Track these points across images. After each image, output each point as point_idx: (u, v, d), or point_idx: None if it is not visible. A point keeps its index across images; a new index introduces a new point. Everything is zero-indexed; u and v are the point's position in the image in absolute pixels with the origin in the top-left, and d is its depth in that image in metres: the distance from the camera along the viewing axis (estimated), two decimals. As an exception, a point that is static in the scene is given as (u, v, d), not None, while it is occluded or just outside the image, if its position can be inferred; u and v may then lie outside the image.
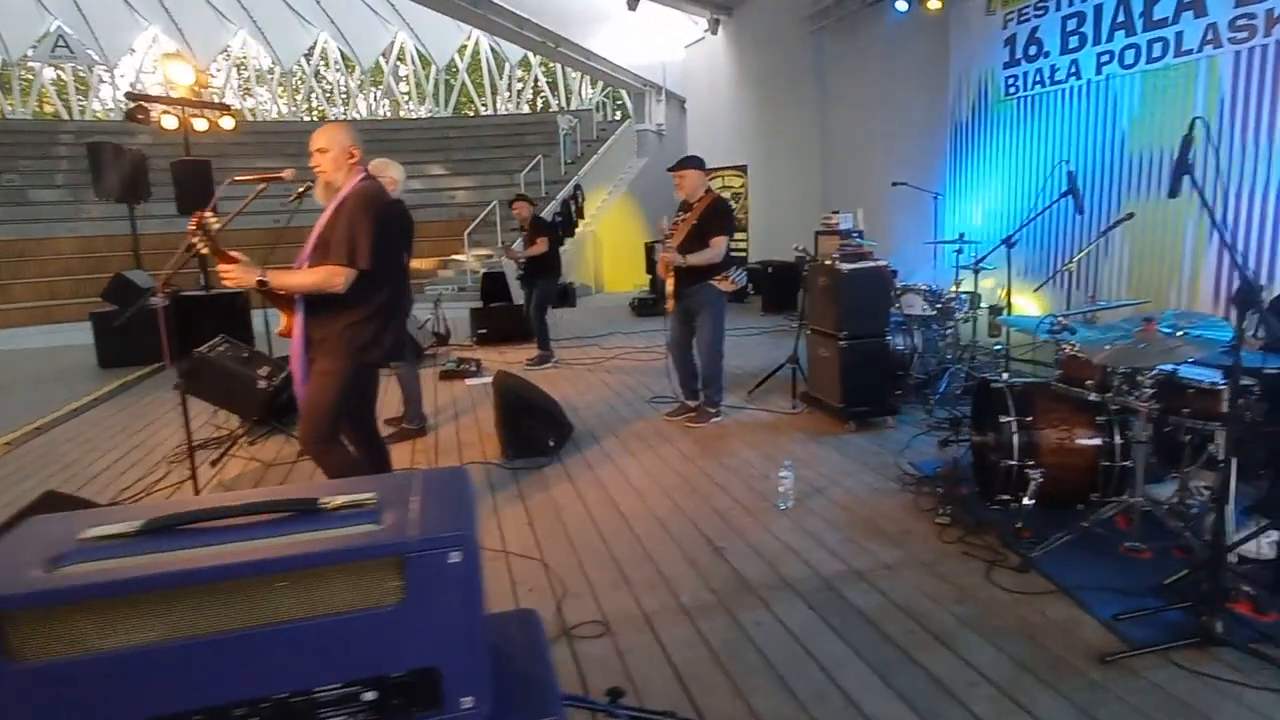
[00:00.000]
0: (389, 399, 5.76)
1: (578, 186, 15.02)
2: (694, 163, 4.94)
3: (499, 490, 4.10)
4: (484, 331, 8.46)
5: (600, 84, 22.10)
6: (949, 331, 5.44)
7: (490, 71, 25.60)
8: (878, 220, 10.09)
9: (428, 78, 25.94)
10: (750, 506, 3.71)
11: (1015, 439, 3.20)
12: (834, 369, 4.76)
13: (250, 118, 25.02)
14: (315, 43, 26.36)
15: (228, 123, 9.29)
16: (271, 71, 27.21)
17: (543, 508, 3.84)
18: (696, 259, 4.71)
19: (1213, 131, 5.97)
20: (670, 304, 4.98)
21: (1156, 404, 2.90)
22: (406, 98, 28.03)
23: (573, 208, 14.49)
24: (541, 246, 7.19)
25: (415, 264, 8.84)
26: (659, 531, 3.50)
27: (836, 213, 8.50)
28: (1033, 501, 3.17)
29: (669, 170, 5.03)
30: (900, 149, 9.48)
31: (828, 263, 4.80)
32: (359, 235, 2.87)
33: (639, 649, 2.59)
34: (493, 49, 24.88)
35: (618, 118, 20.64)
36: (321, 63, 27.63)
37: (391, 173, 4.75)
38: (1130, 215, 4.96)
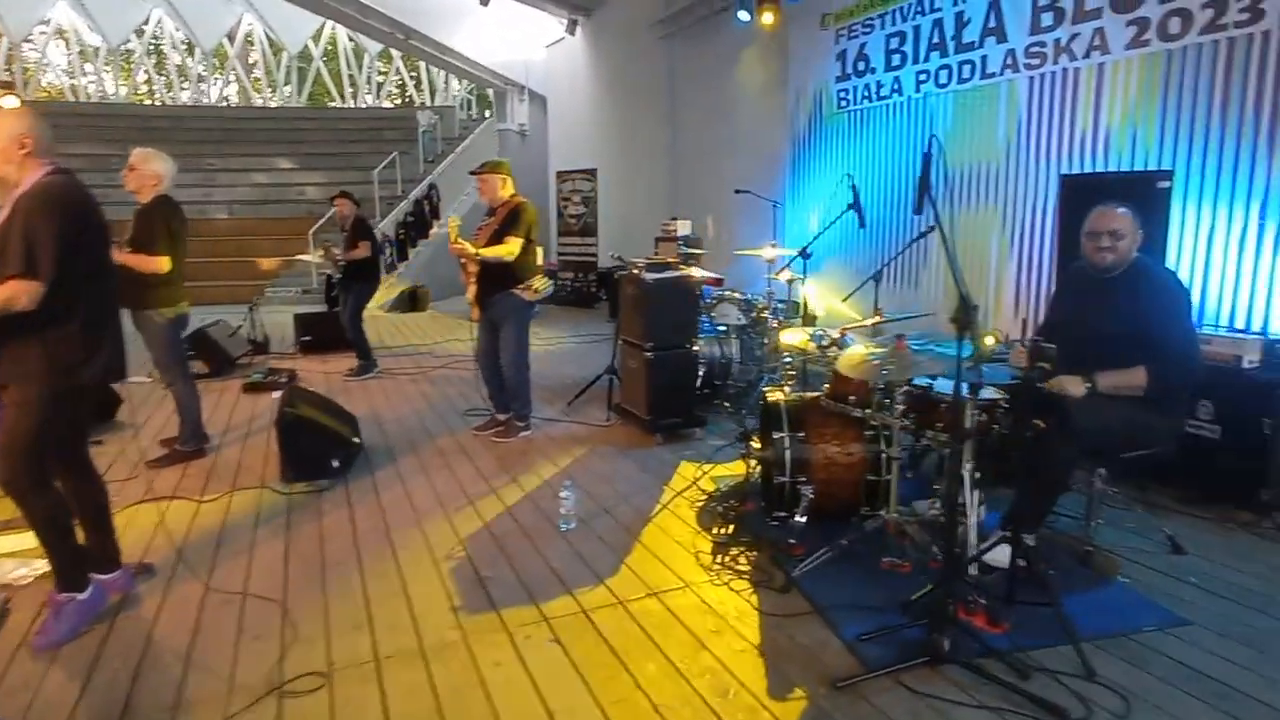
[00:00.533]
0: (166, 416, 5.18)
1: (433, 186, 14.42)
2: (494, 167, 4.70)
3: (266, 521, 3.69)
4: (308, 339, 7.85)
5: (466, 81, 21.45)
6: (765, 341, 5.46)
7: (348, 62, 24.33)
8: (725, 228, 10.23)
9: (278, 65, 24.32)
10: (532, 529, 3.50)
11: (788, 454, 3.15)
12: (642, 380, 4.64)
13: (73, 98, 22.61)
14: (148, 19, 24.15)
15: (10, 102, 8.21)
16: (97, 50, 24.69)
17: (307, 539, 3.47)
18: (488, 252, 4.46)
19: (1011, 150, 6.35)
20: (475, 313, 4.71)
21: (909, 419, 2.91)
22: (261, 85, 26.22)
23: (426, 208, 13.89)
24: (364, 251, 6.72)
25: (265, 264, 8.14)
26: (425, 561, 3.22)
27: (675, 219, 8.52)
28: (805, 518, 3.12)
29: (470, 173, 4.77)
30: (746, 157, 9.62)
31: (634, 272, 4.68)
32: (39, 241, 2.44)
33: (354, 702, 2.31)
34: (350, 38, 23.67)
35: (488, 116, 20.05)
36: (154, 42, 25.36)
37: (155, 166, 4.23)
38: (933, 228, 5.09)
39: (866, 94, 7.70)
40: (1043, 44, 5.97)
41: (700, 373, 4.66)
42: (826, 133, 8.30)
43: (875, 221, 7.82)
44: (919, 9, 7.00)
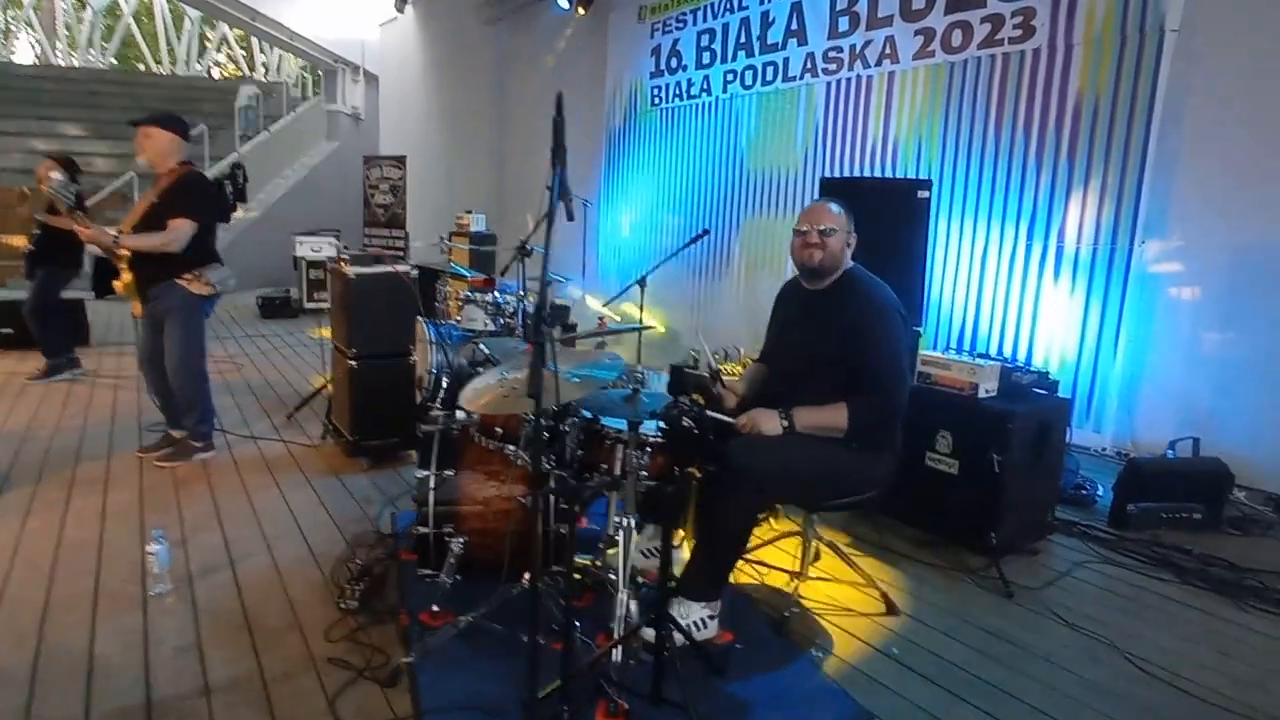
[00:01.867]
0: None
1: (237, 166, 12.85)
2: (167, 122, 3.78)
3: None
4: (7, 331, 6.41)
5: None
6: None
7: (166, 25, 21.82)
8: (542, 225, 9.57)
9: (79, 19, 21.44)
10: (114, 592, 2.63)
11: (431, 497, 2.47)
12: (345, 393, 3.86)
13: None
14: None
15: None
16: None
17: None
18: (137, 242, 3.55)
19: (808, 155, 6.07)
20: (137, 307, 3.76)
21: (575, 456, 2.31)
22: (78, 43, 23.03)
23: (230, 189, 12.36)
24: (65, 222, 5.48)
25: (8, 240, 6.55)
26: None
27: (469, 212, 7.79)
28: (454, 579, 2.45)
29: (130, 123, 3.83)
30: (567, 152, 9.01)
31: (339, 266, 3.89)
32: None
33: None
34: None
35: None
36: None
37: None
38: (706, 232, 4.66)
39: (678, 92, 7.28)
40: (839, 49, 5.72)
41: (434, 385, 3.92)
42: (640, 130, 7.83)
43: (683, 226, 7.43)
44: (728, 6, 6.65)
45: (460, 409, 2.39)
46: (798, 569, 2.65)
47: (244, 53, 22.76)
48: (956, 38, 4.94)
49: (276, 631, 2.42)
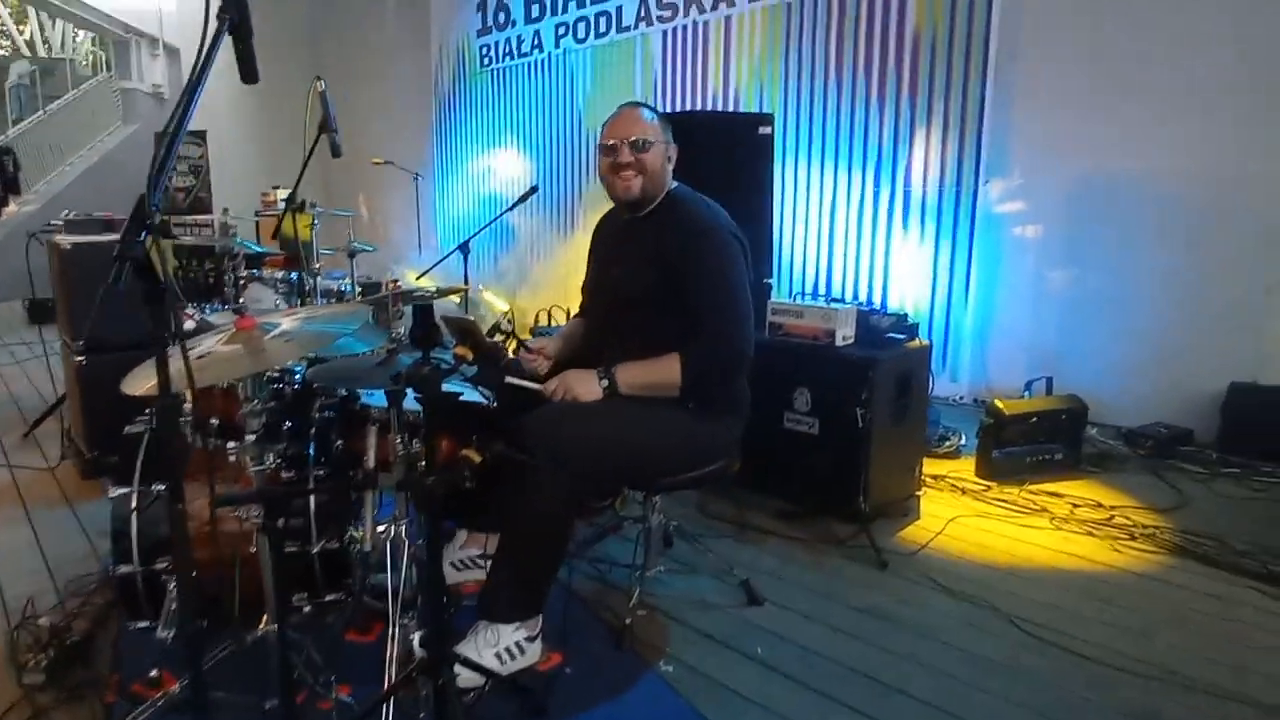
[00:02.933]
0: None
1: (6, 152, 10.96)
2: None
3: None
4: None
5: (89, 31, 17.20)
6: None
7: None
8: (377, 204, 8.73)
9: None
10: None
11: (134, 523, 1.80)
12: (76, 398, 3.03)
13: None
14: None
15: None
16: None
17: None
18: None
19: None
20: None
21: (328, 448, 1.71)
22: None
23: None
24: None
25: None
26: None
27: (277, 188, 6.84)
28: (173, 630, 1.79)
29: None
30: (392, 124, 8.20)
31: (53, 237, 3.05)
32: None
33: None
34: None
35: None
36: None
37: None
38: (534, 189, 4.11)
39: (508, 50, 6.66)
40: (675, -5, 5.31)
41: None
42: (471, 93, 7.14)
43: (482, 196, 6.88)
44: (555, -48, 6.09)
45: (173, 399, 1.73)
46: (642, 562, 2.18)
47: (20, 27, 19.69)
48: (792, -24, 4.65)
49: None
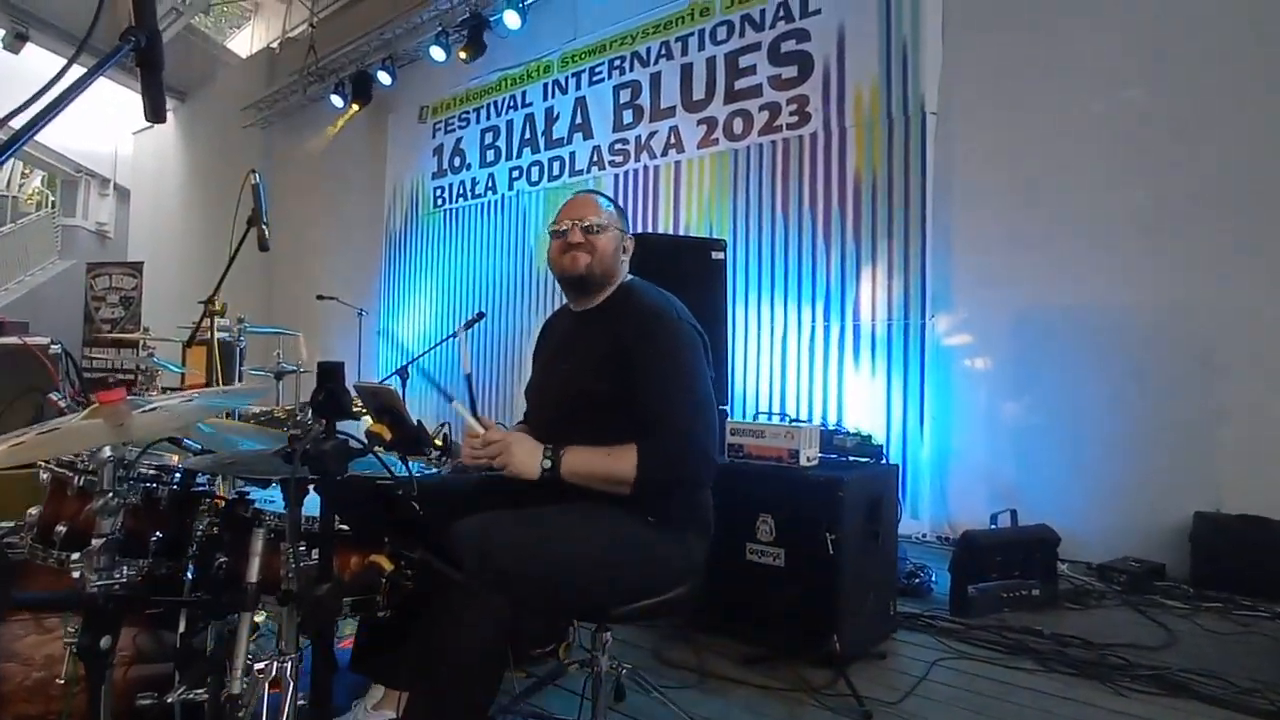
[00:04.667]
0: None
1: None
2: None
3: None
4: None
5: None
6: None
7: None
8: (318, 340, 8.48)
9: None
10: None
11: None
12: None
13: None
14: None
15: None
16: None
17: None
18: None
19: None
20: None
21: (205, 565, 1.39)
22: None
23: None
24: None
25: None
26: None
27: (208, 300, 6.60)
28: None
29: None
30: (341, 260, 8.18)
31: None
32: None
33: None
34: None
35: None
36: None
37: None
38: (481, 315, 3.99)
39: (462, 191, 6.80)
40: (625, 140, 5.55)
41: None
42: (422, 232, 7.20)
43: (471, 332, 6.73)
44: (511, 103, 6.40)
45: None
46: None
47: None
48: (738, 125, 4.91)
49: None
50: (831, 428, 2.78)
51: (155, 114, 1.18)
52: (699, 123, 5.12)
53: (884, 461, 2.73)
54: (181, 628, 1.49)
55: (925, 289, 4.12)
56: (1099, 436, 3.63)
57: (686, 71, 5.17)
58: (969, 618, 2.82)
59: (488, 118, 6.62)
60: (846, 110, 4.43)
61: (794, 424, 2.65)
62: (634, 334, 1.63)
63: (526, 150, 6.27)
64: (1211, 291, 3.41)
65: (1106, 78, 3.73)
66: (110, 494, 1.29)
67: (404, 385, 3.79)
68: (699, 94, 5.11)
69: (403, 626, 1.63)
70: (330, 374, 1.09)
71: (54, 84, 0.99)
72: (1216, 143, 3.45)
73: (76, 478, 1.51)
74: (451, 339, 3.99)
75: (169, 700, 1.34)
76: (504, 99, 6.46)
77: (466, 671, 1.36)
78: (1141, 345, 3.56)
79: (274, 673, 1.28)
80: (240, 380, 3.75)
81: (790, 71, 4.66)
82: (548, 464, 1.51)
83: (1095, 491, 3.59)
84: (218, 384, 3.16)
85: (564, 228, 1.75)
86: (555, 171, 6.03)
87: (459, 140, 6.87)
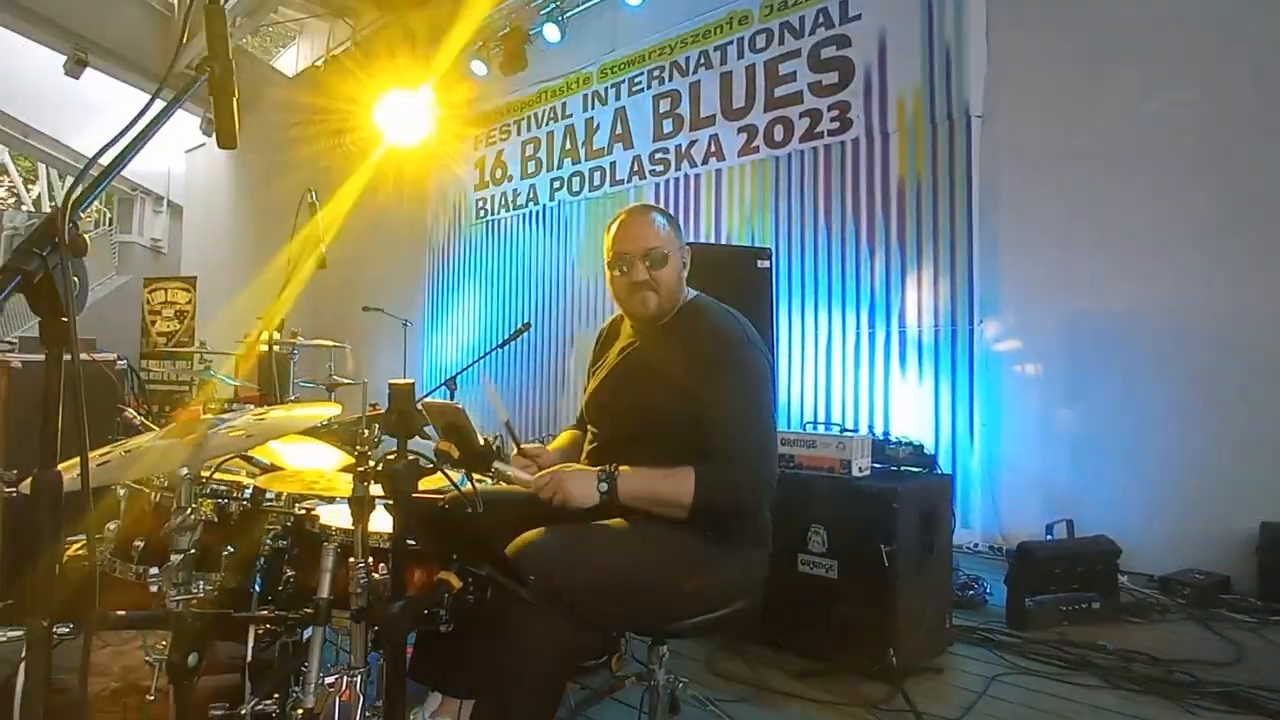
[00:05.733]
0: None
1: (-7, 297, 10.98)
2: None
3: None
4: None
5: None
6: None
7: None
8: (363, 351, 8.66)
9: None
10: None
11: (20, 683, 1.48)
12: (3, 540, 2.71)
13: None
14: None
15: None
16: None
17: None
18: None
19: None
20: None
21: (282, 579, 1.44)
22: None
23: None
24: None
25: None
26: None
27: (260, 318, 6.79)
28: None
29: None
30: (387, 273, 8.32)
31: (4, 356, 2.87)
32: None
33: None
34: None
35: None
36: None
37: None
38: (527, 325, 4.03)
39: (504, 203, 6.89)
40: (666, 150, 5.57)
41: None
42: (465, 244, 7.31)
43: (516, 343, 6.79)
44: (551, 115, 6.47)
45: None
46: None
47: (30, 185, 20.54)
48: (779, 133, 4.89)
49: None
50: (882, 437, 2.75)
51: (228, 139, 1.22)
52: (739, 131, 5.12)
53: (937, 471, 2.68)
54: (252, 640, 1.54)
55: (973, 294, 4.05)
56: (1159, 444, 3.53)
57: (726, 80, 5.17)
58: (1027, 631, 2.77)
59: (528, 130, 6.70)
60: (889, 115, 4.39)
61: (845, 433, 2.63)
62: (704, 359, 1.63)
63: (567, 161, 6.33)
64: (1278, 295, 3.29)
65: (1163, 76, 3.63)
66: (188, 510, 1.34)
67: (450, 397, 3.84)
68: (739, 102, 5.10)
69: (459, 634, 1.66)
70: (402, 394, 1.12)
71: (138, 119, 1.04)
72: (1280, 141, 3.34)
73: (153, 494, 1.57)
74: (500, 349, 4.03)
75: (242, 712, 1.38)
76: (544, 110, 6.53)
77: (532, 685, 1.38)
78: (1203, 351, 3.45)
79: (344, 686, 1.31)
80: (293, 393, 3.85)
81: (831, 78, 4.63)
82: (604, 487, 1.52)
83: (1155, 501, 3.48)
84: (275, 397, 3.25)
85: (626, 255, 1.73)
86: (596, 182, 6.08)
87: (500, 153, 6.97)
